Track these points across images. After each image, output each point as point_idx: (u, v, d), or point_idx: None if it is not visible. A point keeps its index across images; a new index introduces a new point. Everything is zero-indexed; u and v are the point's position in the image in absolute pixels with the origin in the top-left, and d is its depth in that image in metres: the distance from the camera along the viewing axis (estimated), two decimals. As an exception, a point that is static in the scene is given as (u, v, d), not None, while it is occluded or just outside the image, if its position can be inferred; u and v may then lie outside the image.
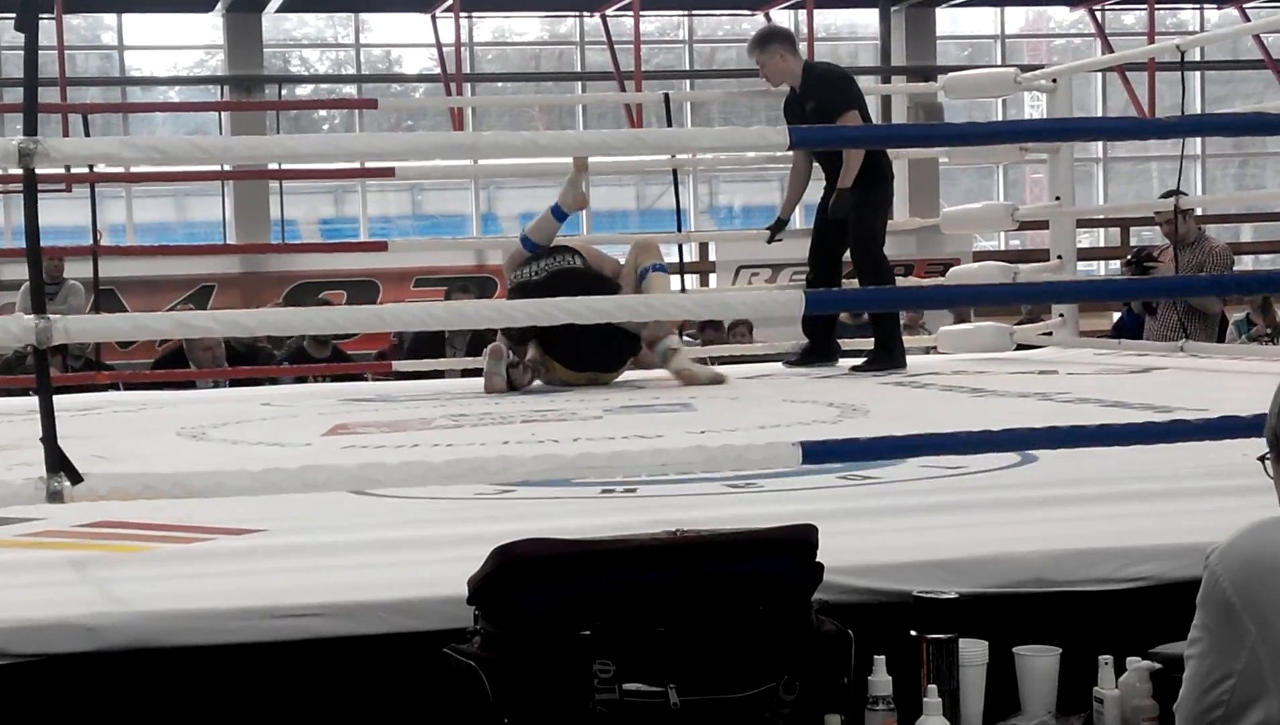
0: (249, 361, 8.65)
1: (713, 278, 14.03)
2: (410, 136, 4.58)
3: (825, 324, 6.63)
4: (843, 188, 6.30)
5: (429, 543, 2.85)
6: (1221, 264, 7.44)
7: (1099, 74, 17.33)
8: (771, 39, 6.64)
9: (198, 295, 13.89)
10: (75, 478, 2.70)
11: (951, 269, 7.80)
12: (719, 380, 6.04)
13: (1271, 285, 7.35)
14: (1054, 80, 7.27)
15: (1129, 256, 8.00)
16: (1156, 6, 14.99)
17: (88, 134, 7.75)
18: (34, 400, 2.84)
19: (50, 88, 10.14)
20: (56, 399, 2.84)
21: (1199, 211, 9.10)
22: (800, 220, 7.14)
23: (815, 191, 6.96)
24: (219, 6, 16.32)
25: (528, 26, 18.31)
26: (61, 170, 7.58)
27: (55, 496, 2.70)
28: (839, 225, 6.38)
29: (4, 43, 15.78)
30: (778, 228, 6.86)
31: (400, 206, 17.86)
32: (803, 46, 8.69)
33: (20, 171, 2.82)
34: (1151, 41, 10.82)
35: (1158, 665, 2.35)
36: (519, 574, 2.16)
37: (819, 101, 6.37)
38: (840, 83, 6.50)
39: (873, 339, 6.55)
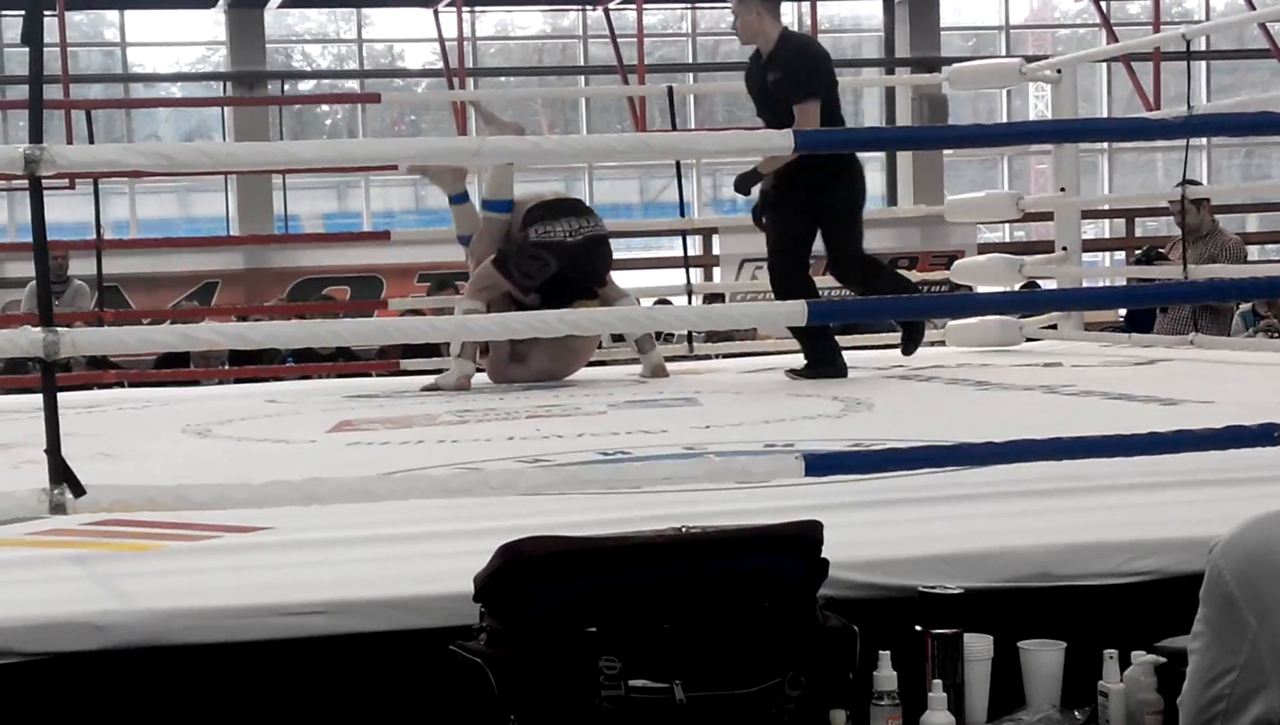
0: (254, 359, 8.62)
1: (716, 272, 14.03)
2: (415, 141, 4.64)
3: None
4: (758, 168, 5.74)
5: (434, 539, 2.85)
6: (1235, 259, 7.39)
7: (1104, 64, 17.30)
8: None
9: (201, 292, 13.89)
10: (78, 489, 2.72)
11: (957, 262, 7.79)
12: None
13: (1274, 291, 7.18)
14: (1058, 71, 7.25)
15: (1138, 253, 7.95)
16: (1161, -5, 14.94)
17: (90, 130, 7.78)
18: (39, 398, 2.85)
19: (54, 85, 10.13)
20: (62, 397, 2.85)
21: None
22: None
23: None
24: (221, 2, 16.31)
25: (530, 20, 18.30)
26: (65, 168, 7.58)
27: (58, 508, 2.74)
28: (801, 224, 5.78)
29: (7, 40, 15.79)
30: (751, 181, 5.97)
31: (403, 200, 17.86)
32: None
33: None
34: (1157, 31, 10.77)
35: (1163, 659, 2.35)
36: (525, 571, 2.16)
37: (781, 78, 5.74)
38: (808, 67, 5.76)
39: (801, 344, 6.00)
